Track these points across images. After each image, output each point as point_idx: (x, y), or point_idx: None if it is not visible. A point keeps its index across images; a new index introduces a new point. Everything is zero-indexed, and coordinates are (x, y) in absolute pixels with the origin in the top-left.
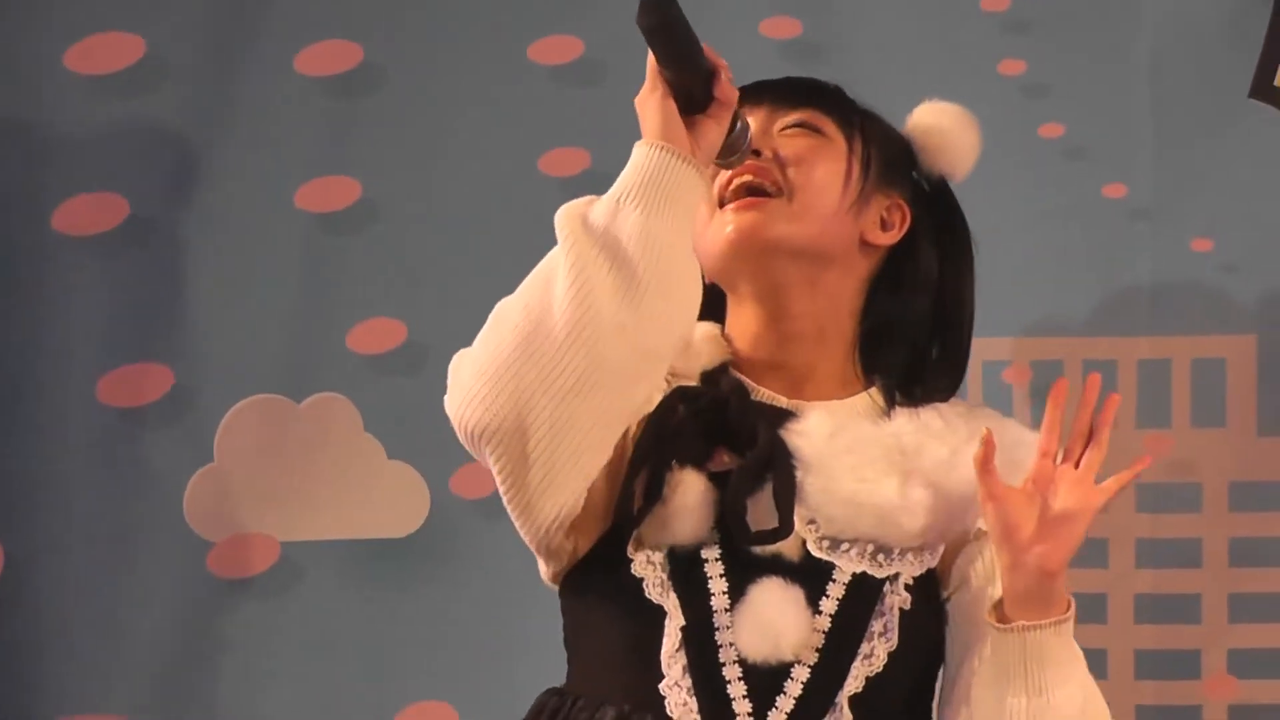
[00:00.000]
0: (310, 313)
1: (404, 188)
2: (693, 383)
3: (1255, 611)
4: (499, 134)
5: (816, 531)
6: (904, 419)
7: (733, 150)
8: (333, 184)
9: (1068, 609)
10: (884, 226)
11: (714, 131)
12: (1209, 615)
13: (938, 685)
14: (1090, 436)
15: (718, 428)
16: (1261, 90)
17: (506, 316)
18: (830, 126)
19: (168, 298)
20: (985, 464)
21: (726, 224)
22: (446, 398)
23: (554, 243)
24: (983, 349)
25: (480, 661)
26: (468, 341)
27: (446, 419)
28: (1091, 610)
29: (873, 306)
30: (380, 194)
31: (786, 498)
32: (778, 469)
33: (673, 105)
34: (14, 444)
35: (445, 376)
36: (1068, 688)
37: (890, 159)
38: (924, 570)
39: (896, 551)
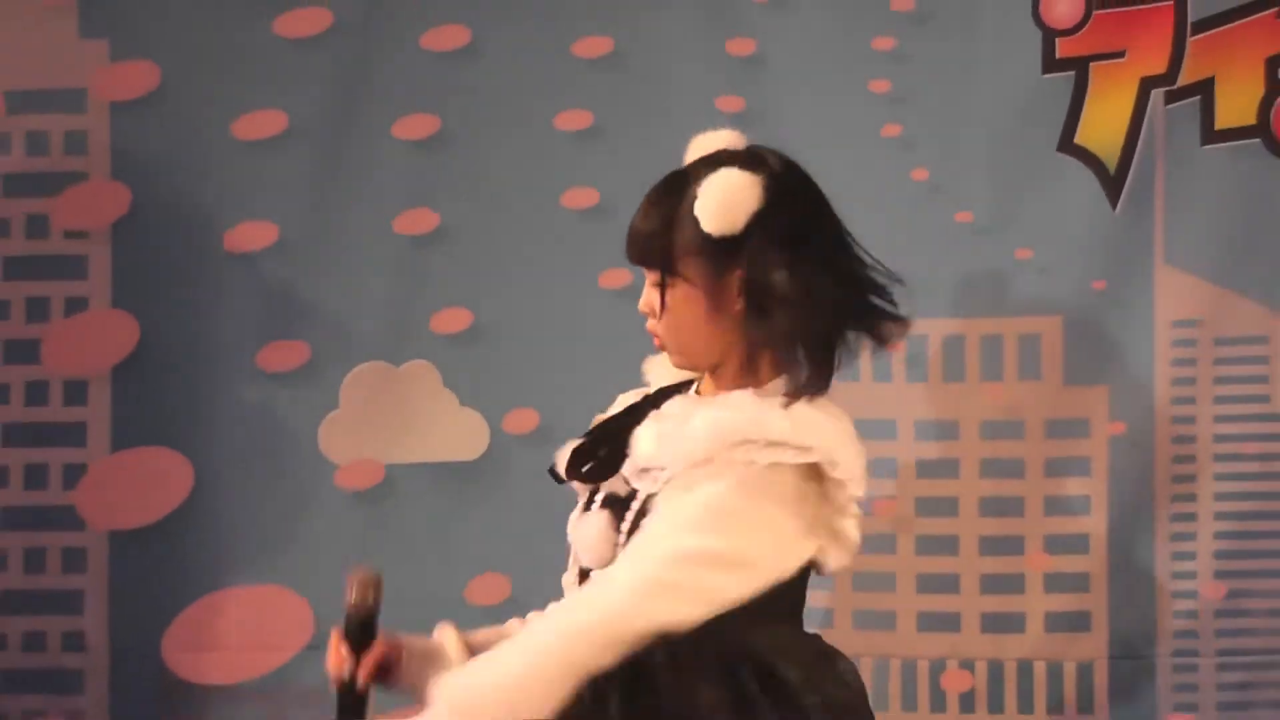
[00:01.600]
0: (404, 305)
1: (474, 218)
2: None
3: (1065, 507)
4: (526, 171)
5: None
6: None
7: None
8: (418, 215)
9: None
10: (739, 294)
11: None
12: (1030, 511)
13: None
14: None
15: (630, 414)
16: (1065, 146)
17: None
18: (664, 276)
19: (304, 295)
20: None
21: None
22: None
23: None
24: None
25: (525, 546)
26: (520, 325)
27: (502, 378)
28: (944, 507)
29: (757, 336)
30: (454, 222)
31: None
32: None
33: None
34: (202, 396)
35: (502, 351)
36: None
37: (710, 258)
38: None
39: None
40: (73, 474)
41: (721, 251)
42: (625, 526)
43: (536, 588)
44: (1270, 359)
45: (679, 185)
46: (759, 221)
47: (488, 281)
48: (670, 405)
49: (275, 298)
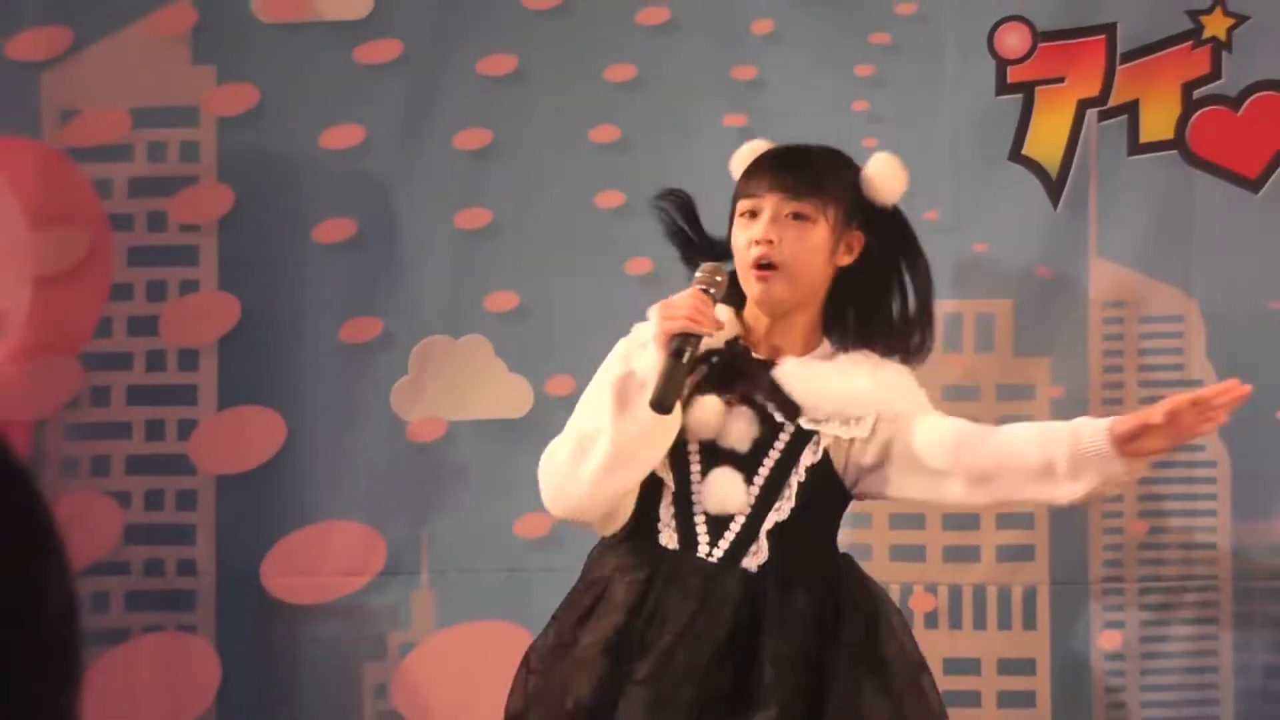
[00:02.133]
0: (462, 288)
1: (520, 215)
2: (717, 347)
3: None
4: (564, 176)
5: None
6: (841, 359)
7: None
8: (474, 213)
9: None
10: (848, 252)
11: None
12: None
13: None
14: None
15: (729, 374)
16: (1015, 156)
17: (556, 463)
18: (813, 210)
19: (378, 279)
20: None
21: (751, 284)
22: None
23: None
24: None
25: None
26: (559, 304)
27: (544, 348)
28: None
29: (834, 295)
30: (504, 219)
31: (762, 397)
32: (760, 388)
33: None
34: (294, 363)
35: (543, 326)
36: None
37: (850, 208)
38: (820, 457)
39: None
40: (185, 428)
41: (859, 212)
42: (764, 472)
43: (573, 526)
44: (1185, 334)
45: (832, 153)
46: (896, 206)
47: (531, 268)
48: (801, 365)
49: (354, 281)
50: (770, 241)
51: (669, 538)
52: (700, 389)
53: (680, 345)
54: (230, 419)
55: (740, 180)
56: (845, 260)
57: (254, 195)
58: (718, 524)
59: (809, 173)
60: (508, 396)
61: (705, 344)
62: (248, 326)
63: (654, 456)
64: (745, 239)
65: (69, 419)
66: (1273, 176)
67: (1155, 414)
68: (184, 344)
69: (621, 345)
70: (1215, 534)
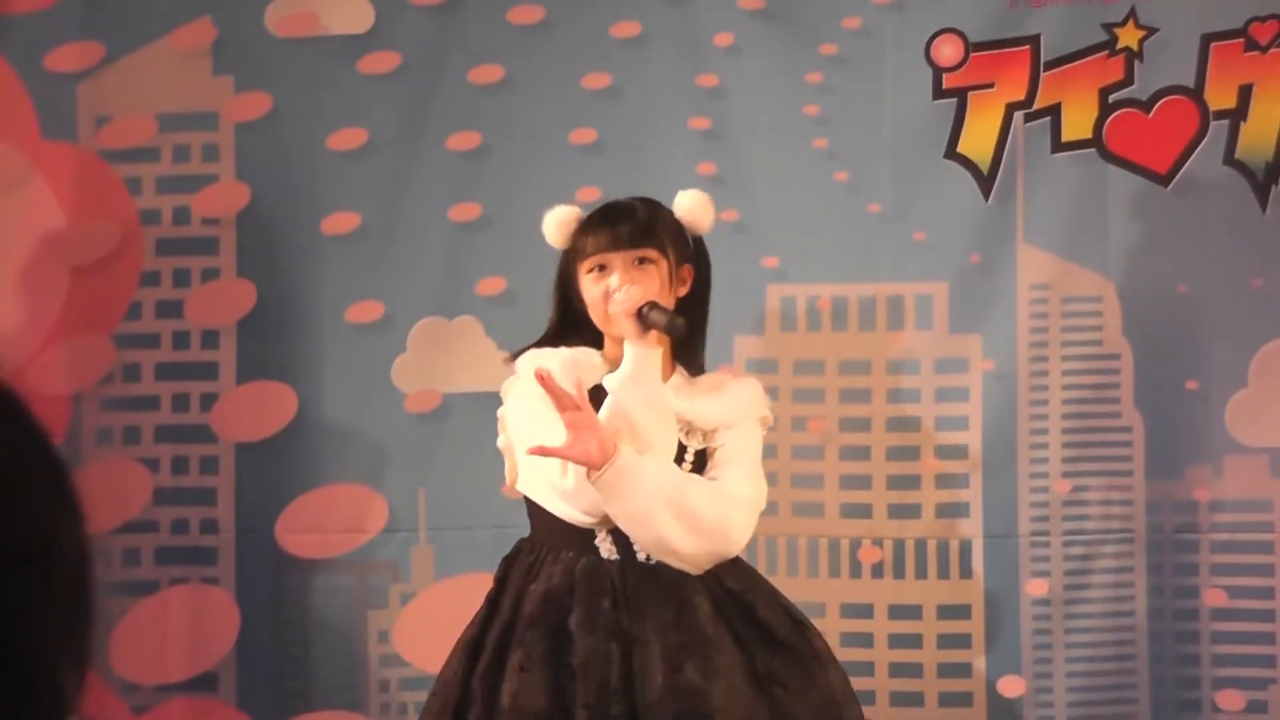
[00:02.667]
0: (455, 274)
1: (508, 209)
2: (596, 385)
3: (951, 424)
4: (546, 174)
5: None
6: (700, 381)
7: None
8: (466, 207)
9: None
10: (684, 284)
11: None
12: (924, 427)
13: None
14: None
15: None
16: (950, 154)
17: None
18: (655, 254)
19: (380, 267)
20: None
21: (625, 326)
22: (574, 501)
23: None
24: (813, 290)
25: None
26: (542, 290)
27: (528, 329)
28: (860, 425)
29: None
30: (493, 212)
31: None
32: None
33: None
34: (305, 342)
35: (528, 309)
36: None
37: (679, 248)
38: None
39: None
40: (208, 400)
41: (685, 246)
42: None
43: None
44: (1103, 313)
45: (648, 200)
46: (700, 237)
47: (518, 257)
48: (678, 393)
49: (358, 269)
50: (635, 286)
51: (608, 551)
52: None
53: (652, 305)
54: (248, 392)
55: (578, 242)
56: (682, 292)
57: (268, 192)
58: None
59: (642, 223)
60: (496, 371)
61: (587, 384)
62: (263, 309)
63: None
64: (601, 291)
65: (103, 393)
66: (1181, 171)
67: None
68: (206, 325)
69: (515, 385)
70: (1131, 492)
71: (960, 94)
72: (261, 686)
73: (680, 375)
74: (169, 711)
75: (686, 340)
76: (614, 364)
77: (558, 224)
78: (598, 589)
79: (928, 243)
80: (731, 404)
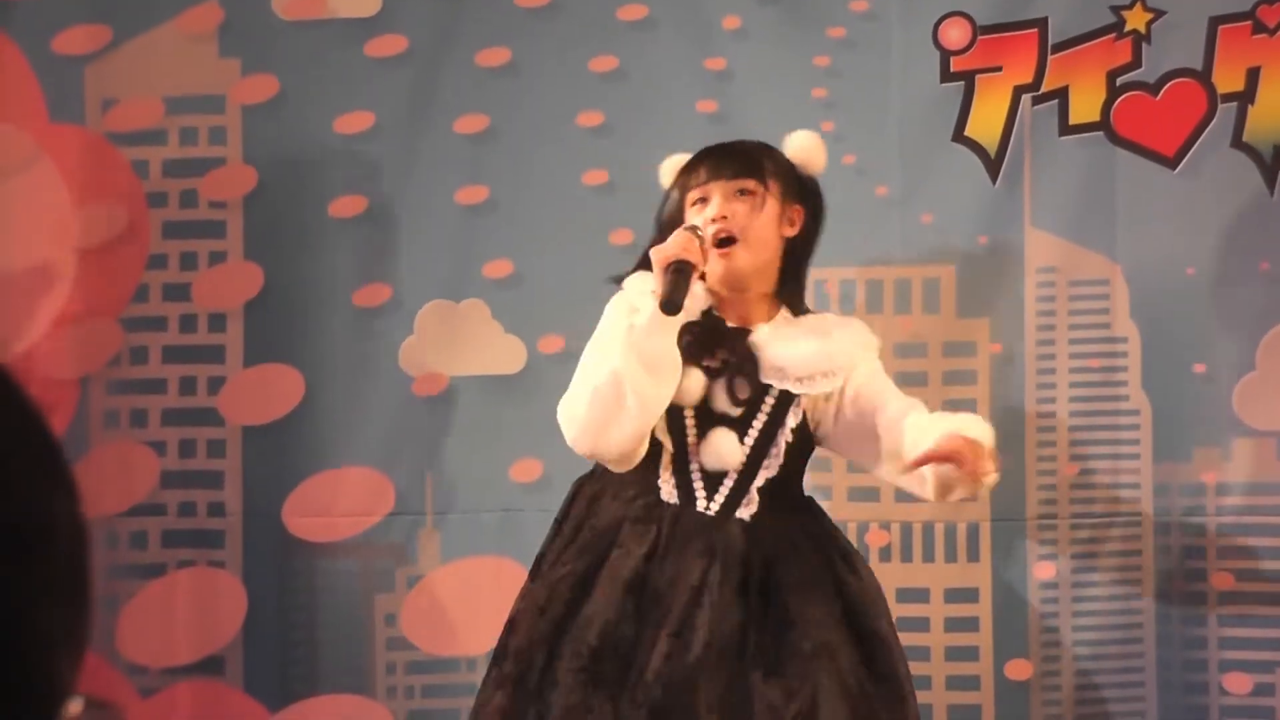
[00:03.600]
0: (462, 257)
1: (515, 192)
2: (695, 319)
3: (957, 408)
4: (554, 157)
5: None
6: (803, 322)
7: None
8: (473, 190)
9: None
10: (792, 225)
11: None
12: (931, 410)
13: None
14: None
15: (709, 342)
16: (958, 137)
17: (596, 405)
18: (757, 186)
19: (387, 249)
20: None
21: (714, 262)
22: (566, 430)
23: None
24: (820, 273)
25: (553, 438)
26: (549, 272)
27: (536, 311)
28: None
29: (787, 266)
30: (500, 195)
31: (745, 363)
32: (741, 354)
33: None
34: (312, 325)
35: (536, 292)
36: None
37: (788, 185)
38: (801, 417)
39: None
40: (215, 384)
41: (795, 184)
42: (754, 432)
43: (562, 470)
44: (1111, 296)
45: (759, 142)
46: (815, 178)
47: (525, 239)
48: (768, 331)
49: (365, 252)
50: (725, 218)
51: (669, 493)
52: (685, 359)
53: (677, 269)
54: (255, 375)
55: (681, 178)
56: (790, 232)
57: (275, 175)
58: (713, 480)
59: (747, 156)
60: (503, 354)
61: (683, 317)
62: (270, 292)
63: (669, 382)
64: (700, 222)
65: (110, 376)
66: (1188, 154)
67: (936, 448)
68: (213, 308)
69: (618, 300)
70: (1139, 474)
71: (968, 77)
72: (268, 669)
73: (783, 315)
74: (176, 694)
75: (789, 281)
76: (712, 293)
77: (672, 167)
78: (638, 537)
79: (935, 226)
80: (836, 349)
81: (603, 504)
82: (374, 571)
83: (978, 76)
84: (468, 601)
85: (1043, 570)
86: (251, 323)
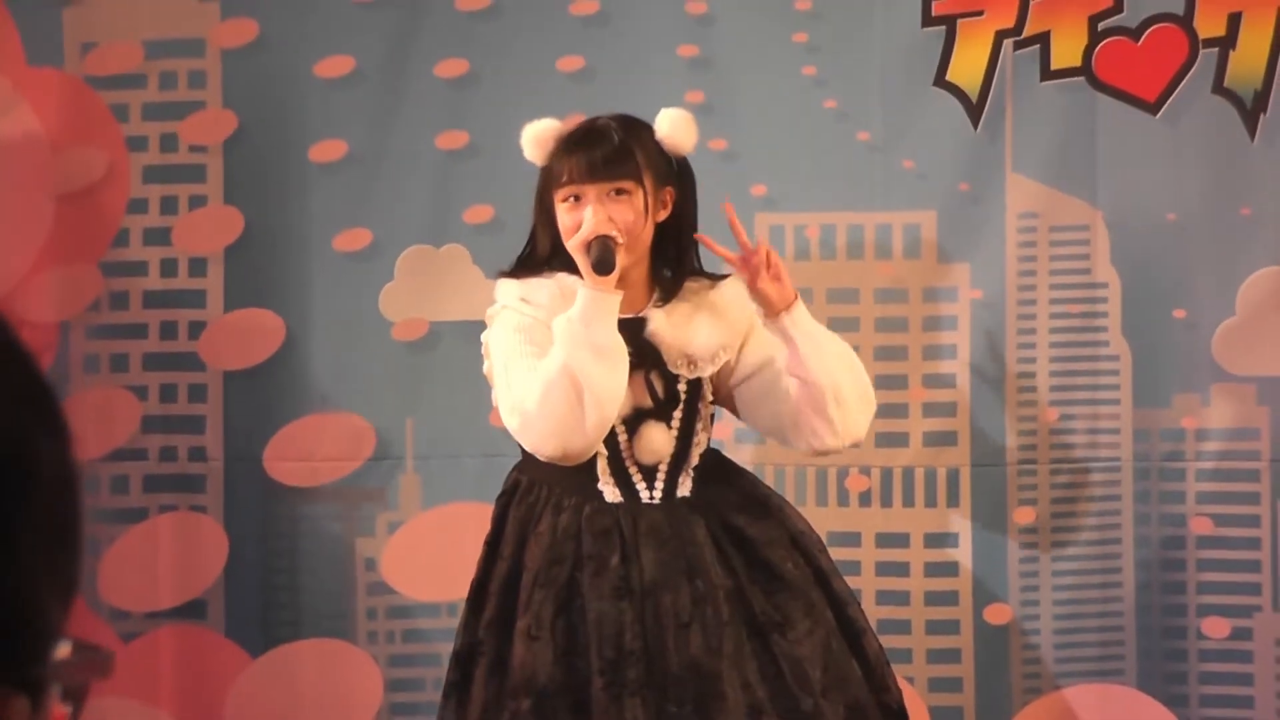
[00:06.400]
0: (442, 202)
1: (495, 138)
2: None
3: (938, 353)
4: (533, 103)
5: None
6: (689, 297)
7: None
8: (453, 135)
9: (796, 296)
10: (664, 208)
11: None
12: (912, 356)
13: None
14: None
15: None
16: (939, 82)
17: (555, 405)
18: (631, 184)
19: (368, 194)
20: (752, 268)
21: (577, 256)
22: (525, 438)
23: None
24: (801, 218)
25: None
26: (529, 217)
27: (515, 257)
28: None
29: (661, 245)
30: (480, 140)
31: (653, 359)
32: (648, 351)
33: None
34: (292, 270)
35: (516, 237)
36: (832, 342)
37: (659, 171)
38: (710, 393)
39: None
40: (196, 328)
41: (665, 168)
42: (678, 418)
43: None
44: (1091, 241)
45: (628, 123)
46: (684, 158)
47: (505, 185)
48: (662, 319)
49: (346, 196)
50: (608, 220)
51: (612, 494)
52: None
53: (602, 243)
54: (236, 320)
55: (554, 165)
56: (662, 216)
57: (255, 119)
58: (648, 471)
59: (620, 151)
60: (484, 300)
61: (619, 304)
62: (251, 237)
63: (620, 368)
64: (573, 221)
65: (91, 321)
66: (1169, 99)
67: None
68: (194, 253)
69: (503, 316)
70: (1118, 420)
71: (949, 21)
72: (250, 614)
73: (662, 305)
74: (158, 638)
75: (666, 263)
76: None
77: (535, 140)
78: (605, 543)
79: (916, 171)
80: (728, 321)
81: (544, 518)
82: (355, 516)
83: (959, 21)
84: (449, 546)
85: (1022, 515)
86: (232, 267)
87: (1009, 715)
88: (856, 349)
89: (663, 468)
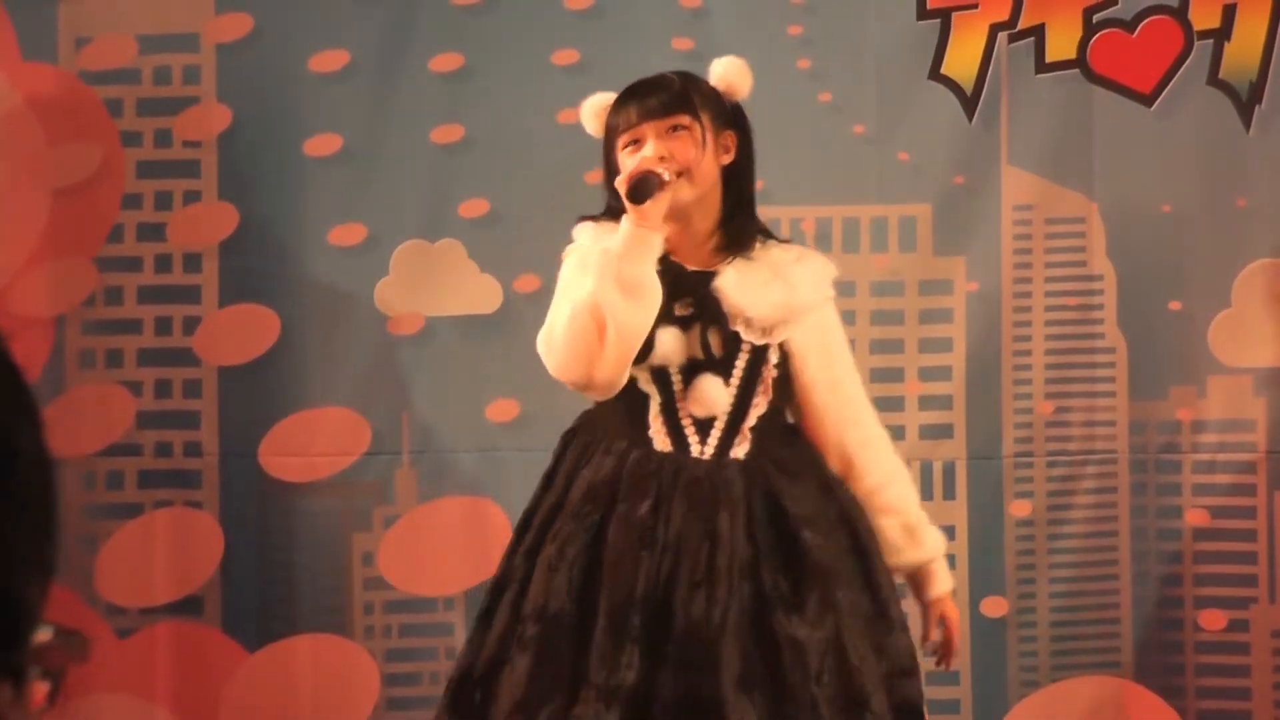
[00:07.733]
0: (438, 196)
1: (490, 131)
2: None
3: (934, 346)
4: (529, 95)
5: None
6: (764, 258)
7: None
8: (448, 129)
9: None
10: (727, 151)
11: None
12: (908, 348)
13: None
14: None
15: (675, 289)
16: (934, 75)
17: (576, 334)
18: (688, 119)
19: (363, 188)
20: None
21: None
22: (548, 362)
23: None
24: (796, 211)
25: (530, 377)
26: (526, 211)
27: (512, 251)
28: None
29: (729, 194)
30: (476, 134)
31: (714, 314)
32: (709, 305)
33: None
34: (287, 265)
35: (512, 231)
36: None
37: (718, 112)
38: (780, 354)
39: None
40: (190, 324)
41: (724, 112)
42: (738, 374)
43: (539, 410)
44: (1086, 234)
45: (681, 72)
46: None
47: (500, 178)
48: (732, 277)
49: (341, 191)
50: (663, 158)
51: (662, 443)
52: (657, 319)
53: (643, 176)
54: (230, 315)
55: (610, 121)
56: (726, 159)
57: (250, 114)
58: (703, 425)
59: (673, 90)
60: (479, 294)
61: (660, 245)
62: (245, 232)
63: (649, 308)
64: (636, 164)
65: (86, 316)
66: (1164, 91)
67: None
68: (188, 248)
69: (571, 251)
70: (1114, 412)
71: (944, 14)
72: (246, 609)
73: (743, 253)
74: (154, 634)
75: (737, 211)
76: (665, 241)
77: (593, 112)
78: (640, 490)
79: (911, 164)
80: (796, 298)
81: (594, 458)
82: (351, 511)
83: (954, 14)
84: (445, 541)
85: (1019, 508)
86: (227, 262)
87: (1006, 707)
88: (852, 342)
89: (718, 424)
